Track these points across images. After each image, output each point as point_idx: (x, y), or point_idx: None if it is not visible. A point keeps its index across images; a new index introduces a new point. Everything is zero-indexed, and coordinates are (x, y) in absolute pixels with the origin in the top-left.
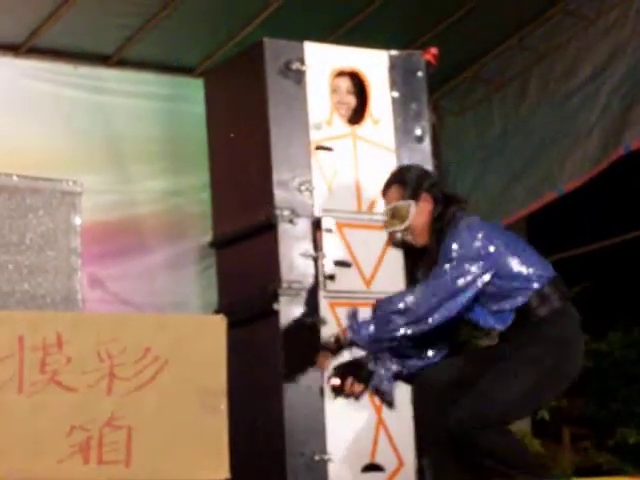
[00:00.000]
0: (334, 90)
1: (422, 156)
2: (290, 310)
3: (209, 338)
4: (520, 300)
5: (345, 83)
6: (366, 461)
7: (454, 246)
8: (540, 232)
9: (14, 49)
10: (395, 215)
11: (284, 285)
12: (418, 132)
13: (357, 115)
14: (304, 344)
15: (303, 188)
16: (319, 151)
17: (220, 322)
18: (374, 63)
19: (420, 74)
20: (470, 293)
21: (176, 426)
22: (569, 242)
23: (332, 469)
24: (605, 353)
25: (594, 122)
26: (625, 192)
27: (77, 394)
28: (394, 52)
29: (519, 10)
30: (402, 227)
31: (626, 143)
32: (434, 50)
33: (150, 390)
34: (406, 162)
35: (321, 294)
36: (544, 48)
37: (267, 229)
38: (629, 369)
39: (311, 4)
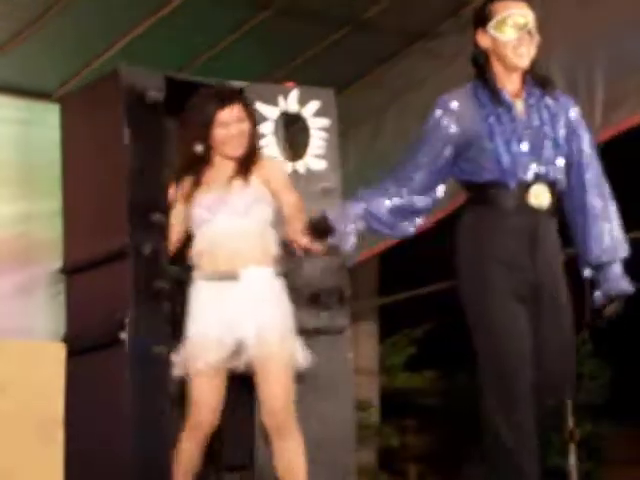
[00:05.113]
0: (220, 124)
1: None
2: (138, 340)
3: (48, 366)
4: None
5: (231, 112)
6: None
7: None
8: (392, 269)
9: None
10: (534, 25)
11: (132, 314)
12: None
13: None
14: (153, 375)
15: (157, 218)
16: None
17: (59, 350)
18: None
19: (275, 108)
20: None
21: (12, 455)
22: (420, 280)
23: None
24: (454, 391)
25: None
26: None
27: None
28: (248, 84)
29: (378, 47)
30: (534, 42)
31: None
32: (290, 84)
33: None
34: None
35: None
36: (401, 86)
37: (119, 258)
38: (477, 408)
39: (171, 33)
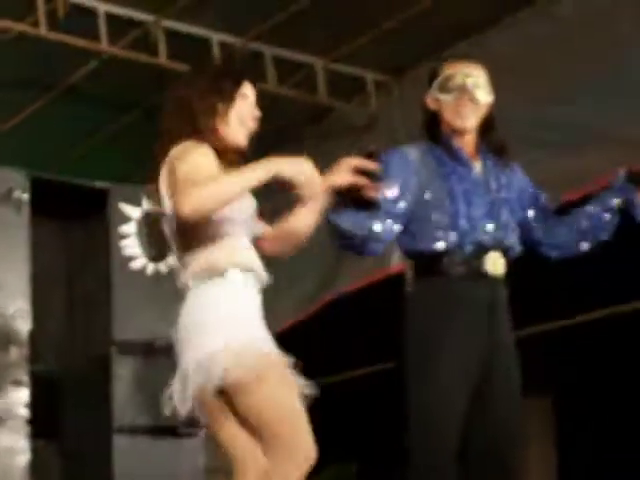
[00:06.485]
0: (244, 97)
1: None
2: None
3: None
4: None
5: (254, 91)
6: None
7: None
8: None
9: None
10: (481, 86)
11: None
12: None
13: None
14: None
15: (17, 315)
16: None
17: None
18: (93, 198)
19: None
20: None
21: None
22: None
23: None
24: None
25: (311, 264)
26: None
27: None
28: (112, 185)
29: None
30: (488, 99)
31: (338, 288)
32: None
33: None
34: None
35: None
36: None
37: None
38: None
39: (36, 133)
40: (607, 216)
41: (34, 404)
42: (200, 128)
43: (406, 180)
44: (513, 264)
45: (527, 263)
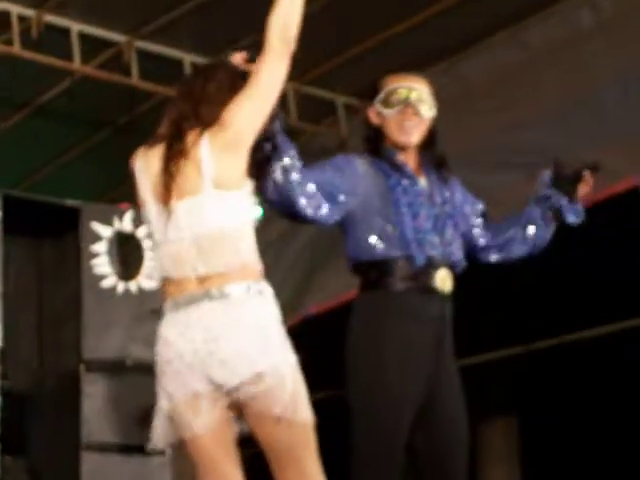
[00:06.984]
0: None
1: None
2: None
3: None
4: None
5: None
6: None
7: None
8: None
9: None
10: (425, 100)
11: None
12: None
13: None
14: None
15: None
16: None
17: None
18: (64, 217)
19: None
20: None
21: None
22: None
23: None
24: None
25: (281, 280)
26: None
27: None
28: (84, 203)
29: None
30: (431, 113)
31: (305, 308)
32: (125, 205)
33: None
34: None
35: None
36: None
37: None
38: None
39: (7, 150)
40: (544, 214)
41: (3, 421)
42: (202, 115)
43: (351, 179)
44: (482, 289)
45: (496, 288)
